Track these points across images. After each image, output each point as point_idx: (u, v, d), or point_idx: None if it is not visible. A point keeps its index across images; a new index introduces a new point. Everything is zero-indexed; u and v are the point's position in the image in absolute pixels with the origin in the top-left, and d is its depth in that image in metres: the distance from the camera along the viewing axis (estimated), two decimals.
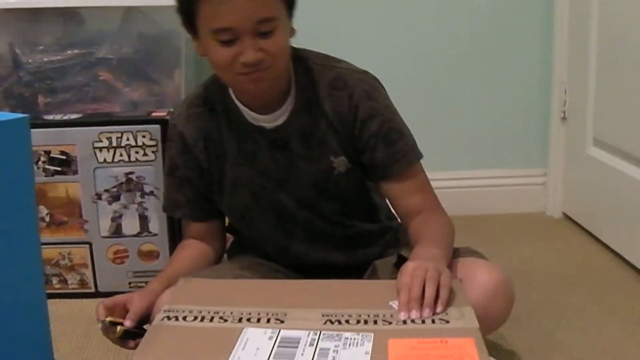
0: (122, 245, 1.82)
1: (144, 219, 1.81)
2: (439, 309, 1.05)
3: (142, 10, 1.94)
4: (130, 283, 1.82)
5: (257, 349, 0.98)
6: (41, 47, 1.92)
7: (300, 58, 1.34)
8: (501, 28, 2.35)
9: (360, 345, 0.98)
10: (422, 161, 1.37)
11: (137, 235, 1.81)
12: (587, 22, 2.12)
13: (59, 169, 1.78)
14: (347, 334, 1.00)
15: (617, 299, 1.76)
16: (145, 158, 1.77)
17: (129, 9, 1.94)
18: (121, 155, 1.77)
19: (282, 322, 1.05)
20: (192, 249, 1.44)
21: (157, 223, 1.80)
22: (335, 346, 0.98)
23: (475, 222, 2.27)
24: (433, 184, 1.38)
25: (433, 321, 1.04)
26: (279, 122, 1.33)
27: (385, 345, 0.97)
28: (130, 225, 1.81)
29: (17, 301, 1.04)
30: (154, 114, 1.81)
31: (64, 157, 1.78)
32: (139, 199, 1.79)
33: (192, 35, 1.29)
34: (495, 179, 2.43)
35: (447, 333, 1.00)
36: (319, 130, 1.34)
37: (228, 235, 1.52)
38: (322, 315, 1.06)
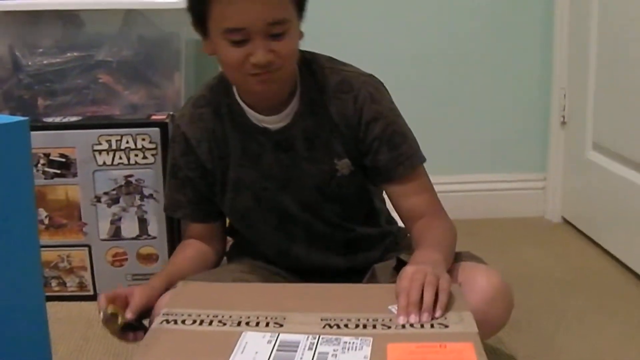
0: (121, 248, 1.82)
1: (143, 222, 1.80)
2: (437, 313, 1.06)
3: (142, 13, 1.94)
4: (129, 286, 1.81)
5: (256, 352, 0.98)
6: (41, 50, 1.92)
7: (306, 60, 1.34)
8: (501, 28, 2.35)
9: (359, 349, 0.98)
10: None
11: (136, 238, 1.81)
12: (587, 22, 2.12)
13: (59, 171, 1.78)
14: (345, 338, 1.00)
15: (616, 304, 1.76)
16: (144, 161, 1.77)
17: (129, 12, 1.94)
18: (120, 158, 1.77)
19: (281, 326, 1.05)
20: (193, 248, 1.44)
21: (156, 226, 1.80)
22: (334, 350, 0.98)
23: (474, 226, 2.27)
24: None
25: (432, 326, 1.04)
26: (284, 123, 1.34)
27: (384, 350, 0.97)
28: (130, 228, 1.81)
29: (16, 303, 1.04)
30: (153, 117, 1.81)
31: (63, 160, 1.78)
32: (138, 202, 1.79)
33: (201, 35, 1.29)
34: (495, 183, 2.43)
35: (446, 337, 1.00)
36: (323, 133, 1.34)
37: (228, 237, 1.52)
38: (321, 320, 1.06)
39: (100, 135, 1.76)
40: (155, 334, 1.04)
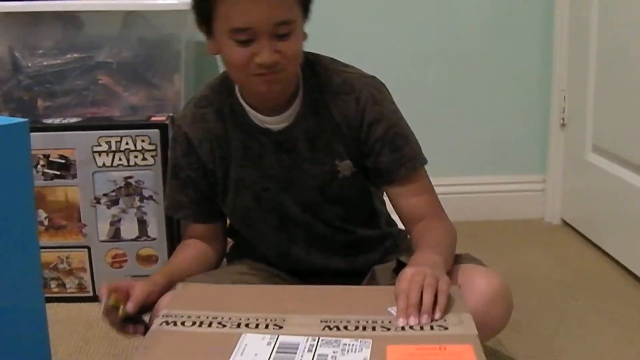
0: (121, 249, 1.82)
1: (142, 224, 1.80)
2: (437, 315, 1.05)
3: (142, 15, 1.94)
4: None
5: (256, 354, 0.98)
6: (41, 51, 1.92)
7: (309, 61, 1.35)
8: (501, 28, 2.35)
9: (359, 351, 0.98)
10: None
11: (136, 239, 1.81)
12: (587, 23, 2.12)
13: (58, 172, 1.78)
14: (345, 340, 1.00)
15: (616, 306, 1.76)
16: (144, 162, 1.77)
17: (129, 13, 1.94)
18: (120, 159, 1.77)
19: (280, 327, 1.05)
20: (194, 248, 1.44)
21: (156, 227, 1.80)
22: (334, 352, 0.98)
23: (474, 227, 2.27)
24: None
25: (431, 327, 1.04)
26: (286, 124, 1.34)
27: (383, 352, 0.97)
28: (129, 229, 1.81)
29: (15, 305, 1.04)
30: (153, 119, 1.81)
31: (63, 161, 1.78)
32: (138, 204, 1.79)
33: (205, 34, 1.29)
34: (494, 185, 2.43)
35: (446, 339, 1.00)
36: (325, 133, 1.34)
37: (228, 239, 1.52)
38: (321, 321, 1.06)
39: (100, 137, 1.76)
40: (154, 336, 1.04)
